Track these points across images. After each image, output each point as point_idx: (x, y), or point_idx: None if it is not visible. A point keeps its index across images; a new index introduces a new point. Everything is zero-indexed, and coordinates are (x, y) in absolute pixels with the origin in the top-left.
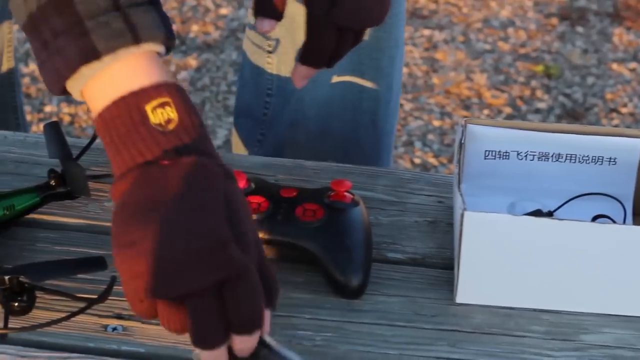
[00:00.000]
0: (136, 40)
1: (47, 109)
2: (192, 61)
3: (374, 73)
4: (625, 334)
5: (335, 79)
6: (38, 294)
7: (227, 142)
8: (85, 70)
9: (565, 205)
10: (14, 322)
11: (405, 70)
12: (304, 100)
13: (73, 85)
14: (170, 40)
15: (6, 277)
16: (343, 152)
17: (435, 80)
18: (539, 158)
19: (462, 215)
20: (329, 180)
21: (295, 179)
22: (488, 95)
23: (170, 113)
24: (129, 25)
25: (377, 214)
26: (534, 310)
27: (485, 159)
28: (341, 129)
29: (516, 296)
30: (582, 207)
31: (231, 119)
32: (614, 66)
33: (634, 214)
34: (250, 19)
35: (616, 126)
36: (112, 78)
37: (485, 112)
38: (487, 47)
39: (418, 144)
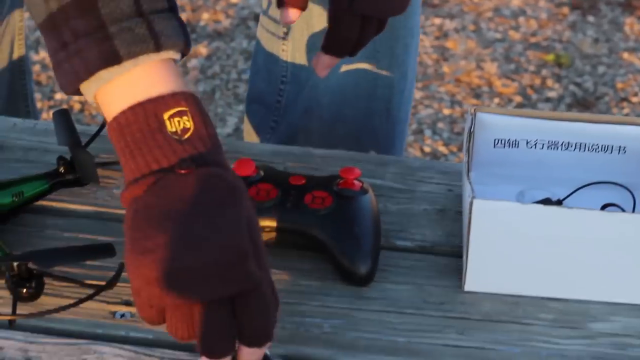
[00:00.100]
0: (158, 47)
1: (58, 96)
2: (203, 49)
3: (388, 61)
4: (633, 322)
5: (350, 66)
6: (46, 280)
7: (237, 130)
8: (104, 74)
9: (575, 194)
10: (22, 309)
11: None
12: (319, 88)
13: (88, 86)
14: (186, 48)
15: (15, 264)
16: (356, 140)
17: (445, 68)
18: (548, 147)
19: (471, 204)
20: (338, 168)
21: (304, 167)
22: (498, 84)
23: (187, 122)
24: (152, 32)
25: (386, 201)
26: (542, 298)
27: (494, 147)
28: (355, 117)
29: (524, 284)
30: (591, 195)
31: (241, 107)
32: (625, 55)
33: None
34: (263, 4)
35: (627, 115)
36: (131, 83)
37: (496, 100)
38: (498, 36)
39: (428, 132)
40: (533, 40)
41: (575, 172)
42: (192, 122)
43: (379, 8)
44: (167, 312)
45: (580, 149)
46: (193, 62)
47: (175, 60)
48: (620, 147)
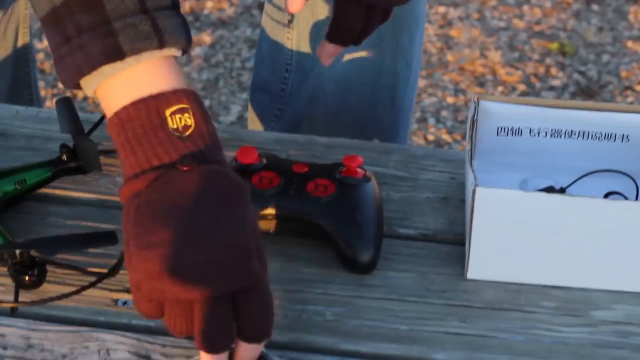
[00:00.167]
0: (161, 44)
1: (61, 84)
2: (206, 37)
3: (393, 50)
4: (635, 310)
5: (355, 54)
6: (49, 268)
7: (241, 118)
8: (106, 69)
9: (578, 182)
10: (24, 296)
11: None
12: (323, 76)
13: (89, 81)
14: (188, 45)
15: (17, 251)
16: (361, 128)
17: (449, 57)
18: (551, 135)
19: (473, 191)
20: (341, 156)
21: (307, 155)
22: (502, 72)
23: (188, 119)
24: (156, 30)
25: (388, 189)
26: (545, 286)
27: (497, 135)
28: (359, 105)
29: (527, 272)
30: (594, 183)
31: (245, 95)
32: (629, 44)
33: None
34: None
35: (630, 104)
36: (133, 79)
37: (500, 89)
38: (502, 24)
39: (432, 121)
40: (537, 28)
41: (578, 160)
42: (193, 120)
43: None
44: (166, 306)
45: (583, 137)
46: (197, 51)
47: (176, 57)
48: (623, 135)
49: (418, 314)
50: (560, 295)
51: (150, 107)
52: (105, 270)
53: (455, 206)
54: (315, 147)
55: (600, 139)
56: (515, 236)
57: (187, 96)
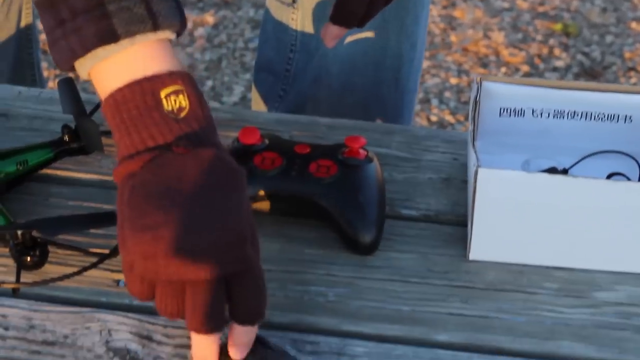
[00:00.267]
0: (155, 27)
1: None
2: (209, 18)
3: (398, 32)
4: (638, 291)
5: (359, 35)
6: (50, 248)
7: (244, 99)
8: (100, 52)
9: (580, 163)
10: (26, 277)
11: None
12: (328, 57)
13: (83, 64)
14: (182, 28)
15: (19, 232)
16: (365, 109)
17: (452, 38)
18: (554, 116)
19: (476, 172)
20: (344, 137)
21: (309, 136)
22: (506, 53)
23: (183, 101)
24: (150, 13)
25: (391, 170)
26: (547, 267)
27: (500, 116)
28: (364, 86)
29: (529, 253)
30: (597, 164)
31: (248, 76)
32: (633, 25)
33: None
34: None
35: (634, 85)
36: (127, 62)
37: (503, 70)
38: (506, 5)
39: (435, 102)
40: (541, 9)
41: (581, 141)
42: (188, 102)
43: None
44: (158, 287)
45: (586, 118)
46: (200, 31)
47: (170, 40)
48: (626, 116)
49: (420, 295)
50: (563, 276)
51: (145, 88)
52: (106, 251)
53: (458, 187)
54: (318, 128)
55: (603, 119)
56: (517, 217)
57: (181, 78)
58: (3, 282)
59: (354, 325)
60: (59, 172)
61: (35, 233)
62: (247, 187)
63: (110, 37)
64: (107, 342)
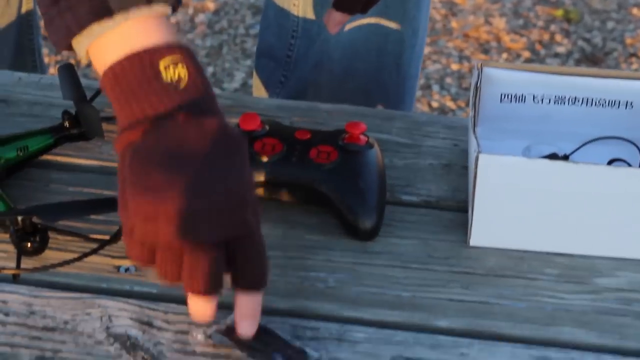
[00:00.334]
0: (149, 0)
1: (65, 51)
2: (210, 4)
3: (400, 17)
4: (638, 277)
5: (361, 21)
6: (51, 234)
7: (245, 85)
8: (96, 28)
9: (581, 149)
10: (26, 263)
11: None
12: (329, 43)
13: (80, 41)
14: (177, 2)
15: (19, 218)
16: (366, 95)
17: (454, 23)
18: (555, 101)
19: (476, 158)
20: (344, 123)
21: (310, 122)
22: (507, 39)
23: (182, 72)
24: None
25: (391, 156)
26: (548, 253)
27: (501, 102)
28: (365, 72)
29: (530, 239)
30: (597, 150)
31: (249, 62)
32: (634, 11)
33: None
34: None
35: (635, 71)
36: (124, 36)
37: (504, 56)
38: None
39: (436, 88)
40: None
41: (582, 127)
42: (187, 72)
43: None
44: (159, 253)
45: (587, 104)
46: (200, 17)
47: (168, 17)
48: (627, 102)
49: (420, 281)
50: (563, 262)
51: (144, 59)
52: (107, 237)
53: (458, 173)
54: (318, 114)
55: (604, 105)
56: (518, 203)
57: (179, 49)
58: (3, 268)
59: (354, 311)
60: (59, 158)
61: (35, 219)
62: (247, 152)
63: (104, 12)
64: (107, 328)
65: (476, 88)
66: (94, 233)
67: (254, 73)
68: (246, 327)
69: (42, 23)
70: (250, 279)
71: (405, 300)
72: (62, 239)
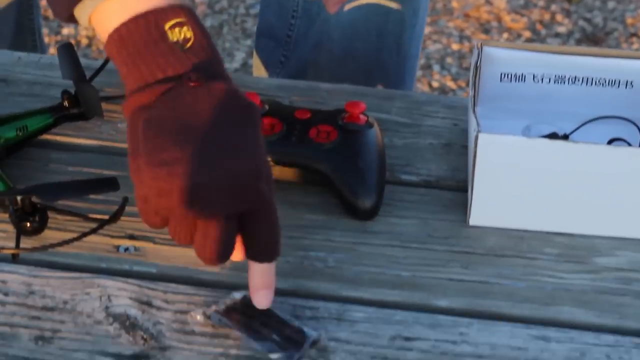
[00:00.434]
0: None
1: (65, 31)
2: None
3: None
4: (638, 257)
5: (361, 1)
6: (50, 214)
7: (245, 65)
8: None
9: (581, 128)
10: (26, 242)
11: None
12: (329, 22)
13: (83, 9)
14: None
15: (18, 198)
16: (366, 75)
17: (454, 3)
18: (555, 81)
19: (476, 138)
20: (344, 102)
21: (310, 101)
22: (507, 19)
23: (187, 32)
24: None
25: (391, 136)
26: (547, 233)
27: (501, 81)
28: (365, 52)
29: (529, 219)
30: (597, 130)
31: (249, 42)
32: None
33: None
34: None
35: (636, 50)
36: (126, 1)
37: (505, 36)
38: None
39: (436, 68)
40: None
41: (582, 106)
42: (192, 33)
43: None
44: (172, 220)
45: (587, 83)
46: None
47: None
48: (627, 81)
49: (420, 261)
50: (563, 242)
51: (149, 21)
52: (106, 217)
53: (458, 152)
54: (318, 94)
55: (604, 85)
56: (518, 183)
57: (183, 11)
58: (3, 248)
59: (354, 290)
60: (58, 138)
61: (34, 199)
62: (260, 121)
63: None
64: (106, 307)
65: (476, 67)
66: (93, 213)
67: (254, 53)
68: (261, 299)
69: (42, 3)
70: (263, 249)
71: (404, 279)
72: (62, 219)
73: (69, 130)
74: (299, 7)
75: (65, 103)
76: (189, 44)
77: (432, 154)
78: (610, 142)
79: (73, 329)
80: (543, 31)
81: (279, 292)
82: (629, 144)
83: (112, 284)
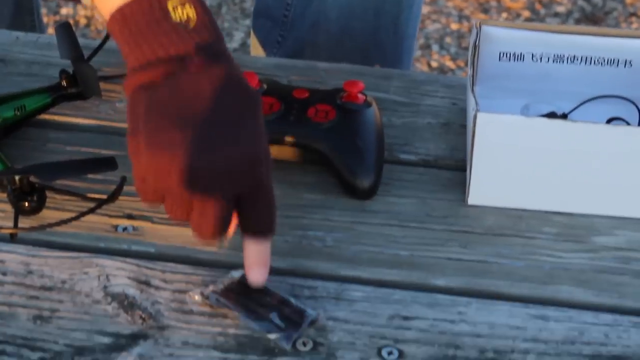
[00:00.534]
0: None
1: (64, 11)
2: None
3: None
4: (637, 236)
5: None
6: (48, 194)
7: (244, 45)
8: None
9: (580, 108)
10: (24, 222)
11: None
12: (326, 2)
13: None
14: None
15: (16, 177)
16: (364, 55)
17: None
18: (553, 60)
19: (475, 117)
20: (342, 82)
21: (308, 80)
22: None
23: (190, 12)
24: None
25: (390, 115)
26: (546, 212)
27: (499, 60)
28: (362, 31)
29: (528, 198)
30: (596, 109)
31: (248, 22)
32: None
33: None
34: None
35: (635, 30)
36: None
37: (504, 15)
38: None
39: (435, 47)
40: None
41: (580, 85)
42: (194, 12)
43: None
44: (169, 198)
45: (586, 62)
46: None
47: None
48: (626, 60)
49: (418, 240)
50: (562, 221)
51: (152, 0)
52: (104, 196)
53: (457, 132)
54: (316, 73)
55: (603, 64)
56: (516, 162)
57: None
58: (1, 228)
59: (352, 269)
60: (56, 118)
61: (33, 178)
62: (261, 106)
63: None
64: (105, 287)
65: (475, 46)
66: (91, 192)
67: (252, 33)
68: (256, 275)
69: None
70: (258, 225)
71: (403, 259)
72: (60, 199)
73: (67, 110)
74: None
75: (64, 83)
76: (191, 23)
77: (430, 133)
78: (609, 121)
79: (71, 308)
80: (542, 11)
81: (277, 272)
82: (628, 123)
83: (110, 264)
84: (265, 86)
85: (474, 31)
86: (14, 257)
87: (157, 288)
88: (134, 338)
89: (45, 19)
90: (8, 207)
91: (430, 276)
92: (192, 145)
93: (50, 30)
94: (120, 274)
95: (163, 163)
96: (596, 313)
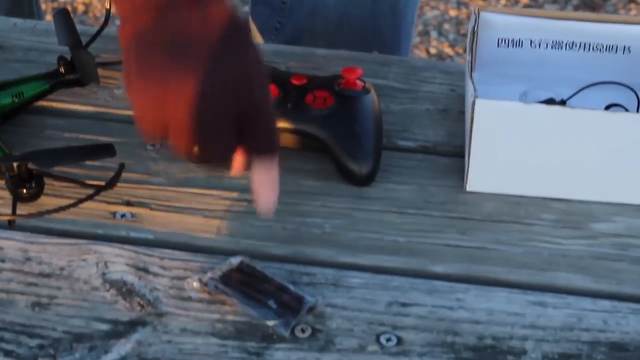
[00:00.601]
0: None
1: None
2: None
3: None
4: (635, 222)
5: None
6: (46, 180)
7: None
8: None
9: (579, 94)
10: (22, 209)
11: None
12: None
13: None
14: None
15: (15, 164)
16: (362, 42)
17: None
18: (552, 46)
19: (473, 103)
20: (340, 68)
21: (306, 67)
22: None
23: None
24: None
25: (388, 101)
26: (545, 198)
27: (498, 47)
28: (361, 18)
29: (527, 184)
30: (595, 95)
31: (246, 9)
32: None
33: None
34: None
35: (634, 16)
36: None
37: (502, 1)
38: None
39: (434, 34)
40: None
41: (579, 72)
42: None
43: None
44: (170, 130)
45: (584, 48)
46: None
47: None
48: (625, 47)
49: (417, 226)
50: (560, 208)
51: None
52: (103, 183)
53: (455, 118)
54: (315, 59)
55: (602, 50)
56: (515, 148)
57: None
58: None
59: (350, 256)
60: (54, 104)
61: (31, 165)
62: (250, 33)
63: None
64: (103, 274)
65: (473, 33)
66: (89, 179)
67: (250, 19)
68: (264, 199)
69: None
70: (261, 145)
71: (401, 245)
72: (58, 185)
73: (65, 97)
74: None
75: (61, 69)
76: None
77: (429, 119)
78: (607, 107)
79: (70, 295)
80: None
81: (275, 258)
82: (626, 110)
83: (108, 251)
84: None
85: (473, 17)
86: (12, 243)
87: (155, 275)
88: (133, 325)
89: (43, 6)
90: (6, 194)
91: (428, 263)
92: (182, 72)
93: (48, 17)
94: (119, 261)
95: (157, 91)
96: (594, 299)
